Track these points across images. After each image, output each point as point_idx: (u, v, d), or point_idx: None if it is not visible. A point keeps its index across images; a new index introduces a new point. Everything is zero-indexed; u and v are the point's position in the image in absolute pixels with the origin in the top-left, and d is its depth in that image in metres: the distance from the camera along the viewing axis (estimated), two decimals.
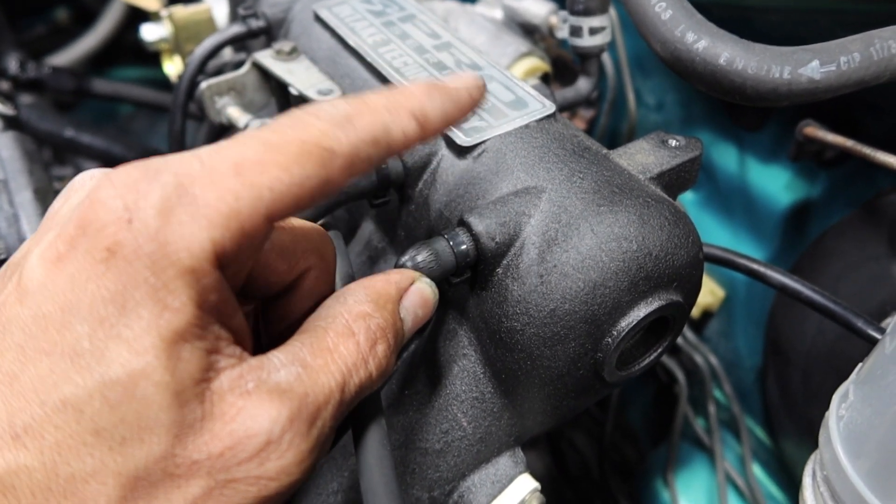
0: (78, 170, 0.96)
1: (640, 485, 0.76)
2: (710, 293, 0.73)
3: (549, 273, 0.32)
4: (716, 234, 0.71)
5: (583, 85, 0.54)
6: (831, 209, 0.63)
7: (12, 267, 0.24)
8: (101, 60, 1.30)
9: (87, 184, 0.25)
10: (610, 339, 0.33)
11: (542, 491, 0.38)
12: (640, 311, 0.33)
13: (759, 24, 0.57)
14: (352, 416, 0.28)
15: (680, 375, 0.74)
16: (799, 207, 0.65)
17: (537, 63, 0.58)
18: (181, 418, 0.22)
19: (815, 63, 0.32)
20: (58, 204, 0.26)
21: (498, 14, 0.65)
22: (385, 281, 0.29)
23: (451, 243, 0.33)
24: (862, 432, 0.27)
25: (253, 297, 0.30)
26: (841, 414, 0.29)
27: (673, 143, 0.39)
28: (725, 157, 0.69)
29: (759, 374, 0.71)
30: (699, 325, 0.77)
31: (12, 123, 0.55)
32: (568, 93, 0.54)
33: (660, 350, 0.37)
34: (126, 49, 1.29)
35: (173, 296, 0.22)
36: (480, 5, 0.67)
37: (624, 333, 0.33)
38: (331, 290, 0.31)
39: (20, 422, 0.21)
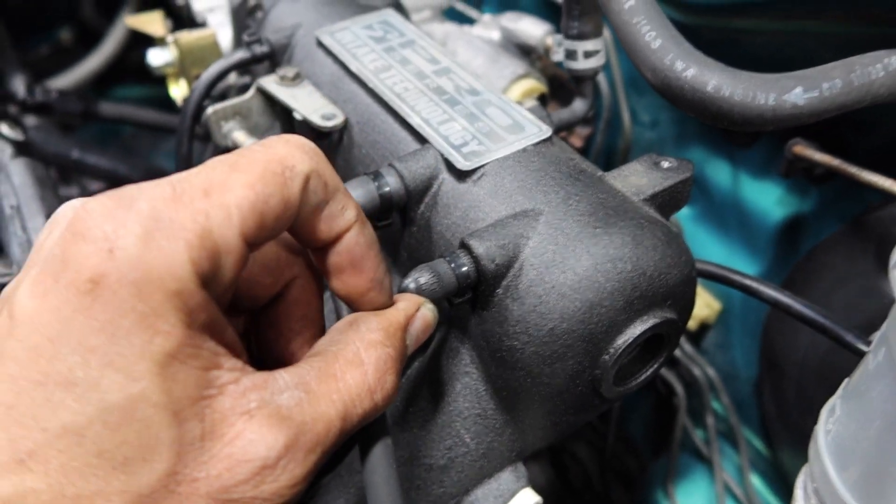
0: (83, 189, 0.98)
1: (641, 495, 0.77)
2: (706, 306, 0.74)
3: (548, 293, 0.33)
4: (710, 248, 0.73)
5: (578, 106, 0.55)
6: (822, 224, 0.64)
7: (3, 300, 0.24)
8: (105, 79, 1.31)
9: (68, 215, 0.25)
10: (607, 357, 0.35)
11: None
12: (636, 329, 0.35)
13: (746, 46, 0.59)
14: (358, 433, 0.29)
15: (679, 387, 0.74)
16: (791, 222, 0.66)
17: (534, 84, 0.59)
18: (181, 436, 0.23)
19: (799, 90, 0.33)
20: (42, 237, 0.26)
21: (495, 35, 0.66)
22: (394, 309, 0.30)
23: (453, 265, 0.34)
24: (848, 446, 0.28)
25: (241, 310, 0.30)
26: (829, 428, 0.30)
27: (665, 164, 0.40)
28: (718, 173, 0.70)
29: (755, 385, 0.72)
30: (697, 338, 0.78)
31: (22, 149, 0.57)
32: (564, 114, 0.55)
33: (656, 366, 0.38)
34: (129, 68, 1.31)
35: (162, 319, 0.22)
36: (478, 26, 0.68)
37: (620, 351, 0.34)
38: (318, 295, 0.32)
39: (24, 447, 0.21)
